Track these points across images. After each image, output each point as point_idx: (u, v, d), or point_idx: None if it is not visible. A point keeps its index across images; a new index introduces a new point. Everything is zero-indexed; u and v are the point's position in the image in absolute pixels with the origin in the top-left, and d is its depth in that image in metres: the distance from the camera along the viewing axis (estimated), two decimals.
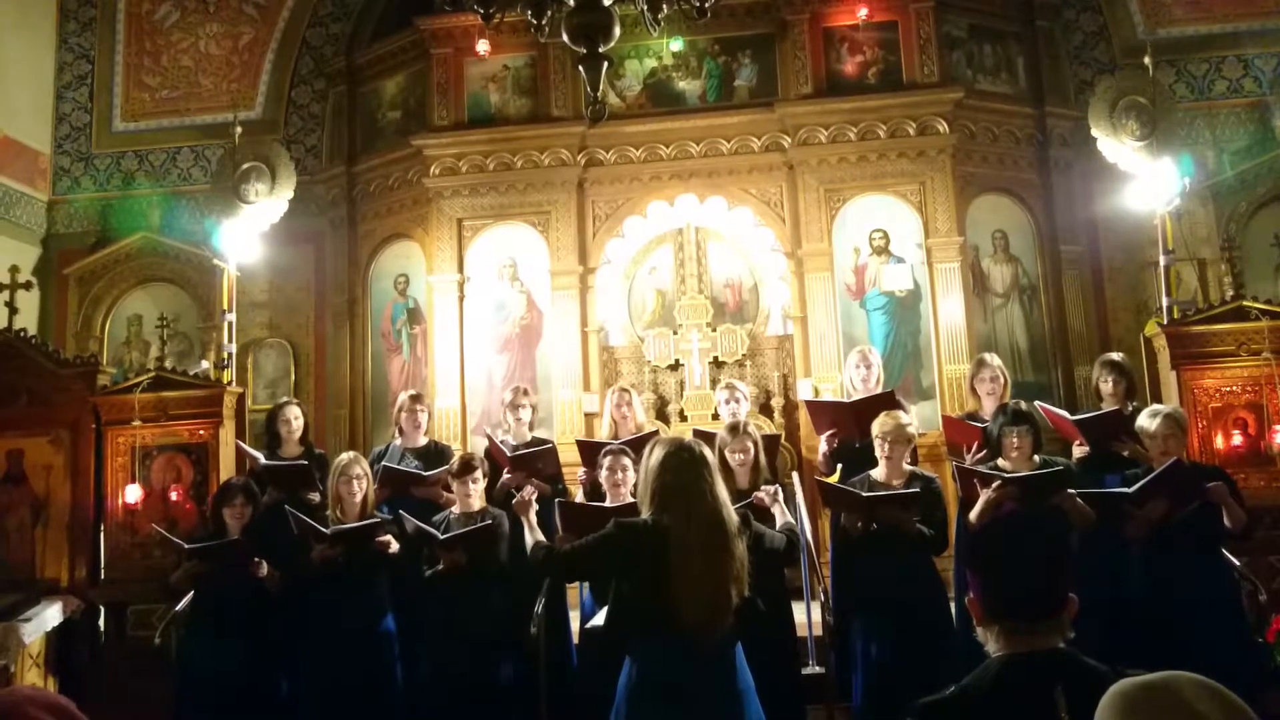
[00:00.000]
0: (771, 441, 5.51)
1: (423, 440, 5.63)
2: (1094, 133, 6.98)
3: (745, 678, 3.07)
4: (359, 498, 4.72)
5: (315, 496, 5.21)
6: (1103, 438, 4.86)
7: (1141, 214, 6.60)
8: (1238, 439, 5.68)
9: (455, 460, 4.93)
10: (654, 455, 3.11)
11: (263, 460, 5.44)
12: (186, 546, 4.84)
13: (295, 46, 8.73)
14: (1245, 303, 5.81)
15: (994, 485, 4.28)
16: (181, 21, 8.83)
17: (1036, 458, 4.49)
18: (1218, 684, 1.40)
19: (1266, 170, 7.55)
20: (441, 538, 4.53)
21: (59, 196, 8.73)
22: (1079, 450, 4.94)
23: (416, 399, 5.69)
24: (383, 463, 5.39)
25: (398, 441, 5.64)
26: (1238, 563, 4.63)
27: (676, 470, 3.03)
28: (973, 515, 4.36)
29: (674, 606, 2.89)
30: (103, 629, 6.08)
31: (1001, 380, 5.26)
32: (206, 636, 4.81)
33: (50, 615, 5.74)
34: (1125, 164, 6.83)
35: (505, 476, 5.20)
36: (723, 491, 3.06)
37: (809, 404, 5.77)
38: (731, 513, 3.06)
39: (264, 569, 4.73)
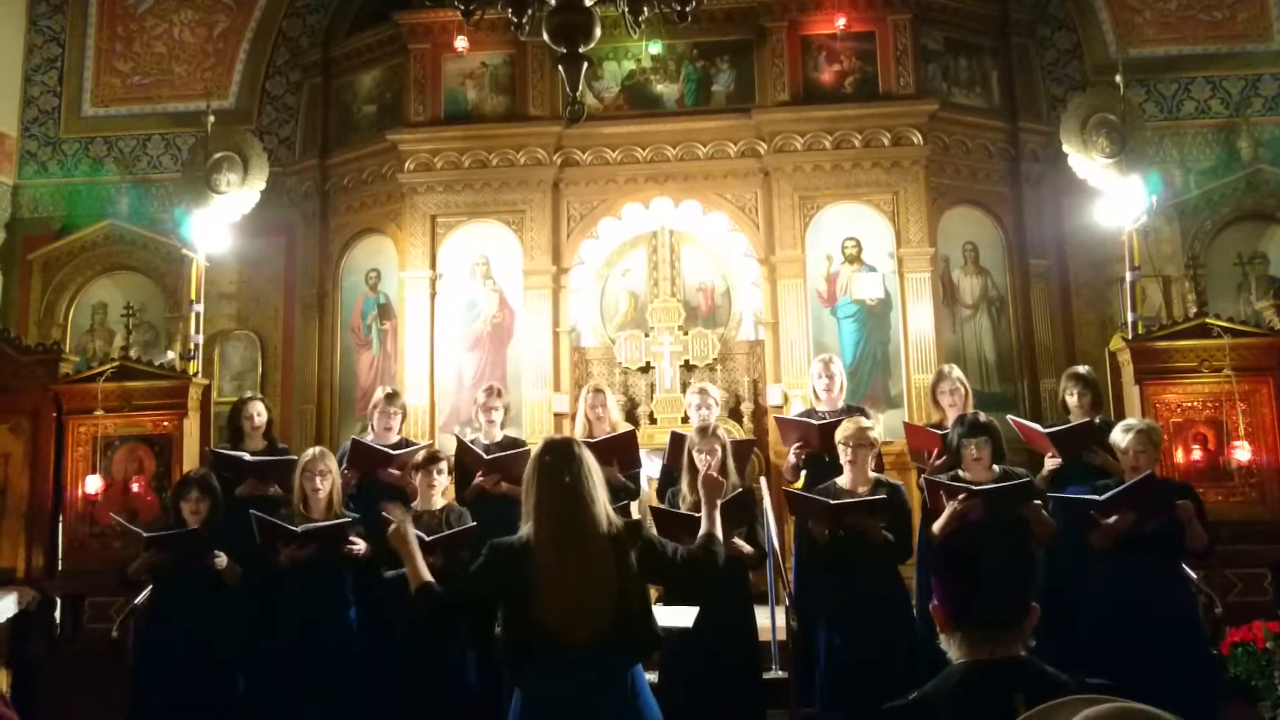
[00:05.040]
0: (744, 447, 5.52)
1: (394, 439, 5.58)
2: (1065, 148, 7.08)
3: (648, 707, 2.76)
4: (323, 494, 4.66)
5: (278, 490, 5.18)
6: (1074, 449, 4.92)
7: (1109, 230, 6.71)
8: (1198, 454, 5.77)
9: (421, 451, 4.91)
10: (530, 460, 2.87)
11: (247, 457, 5.32)
12: (145, 535, 4.78)
13: (271, 36, 8.63)
14: (1208, 320, 5.90)
15: (960, 497, 4.32)
16: (156, 7, 8.70)
17: (996, 468, 4.53)
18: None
19: (1231, 191, 7.68)
20: (428, 539, 4.44)
21: (25, 181, 8.57)
22: (1051, 462, 4.99)
23: (392, 398, 5.61)
24: (351, 438, 5.39)
25: (369, 438, 5.60)
26: (1195, 576, 4.71)
27: (546, 475, 2.77)
28: (936, 526, 4.40)
29: (545, 623, 2.62)
30: (59, 621, 5.98)
31: (962, 391, 5.31)
32: (164, 630, 4.74)
33: (4, 607, 5.64)
34: (1094, 180, 6.94)
35: (479, 478, 5.16)
36: (600, 494, 2.76)
37: (779, 420, 5.74)
38: (610, 518, 2.77)
39: (223, 560, 4.67)
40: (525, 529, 2.77)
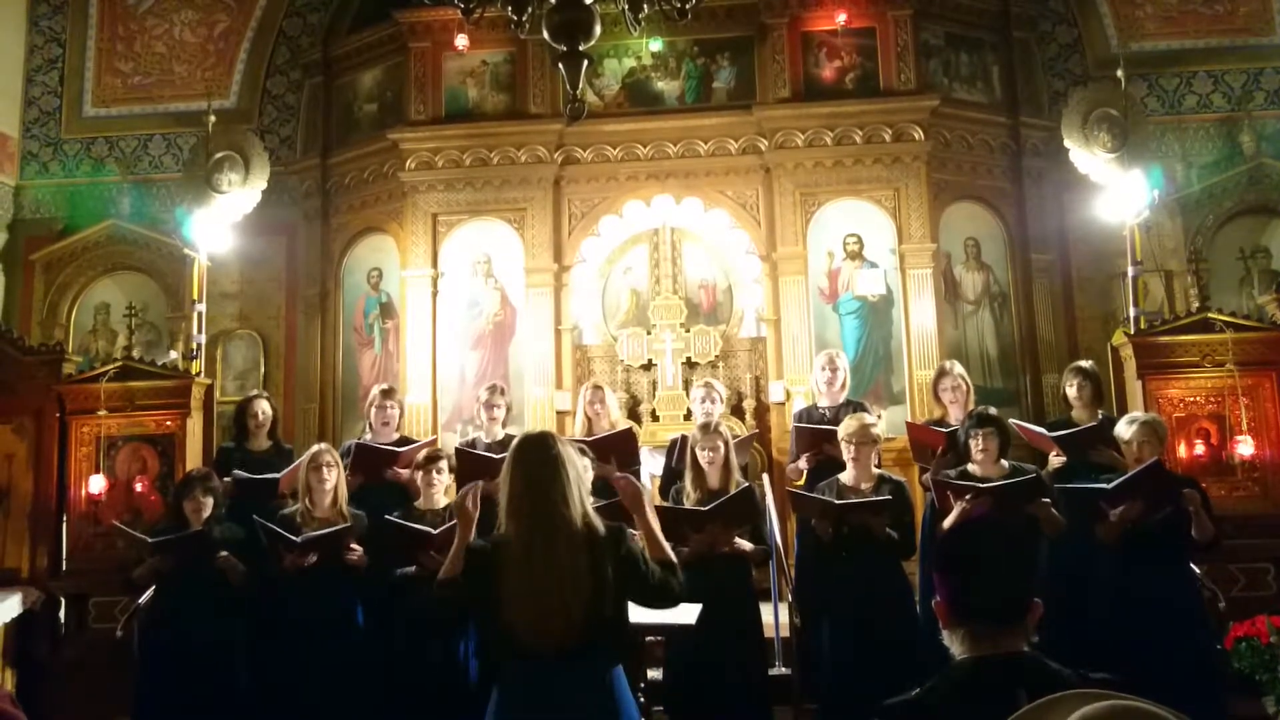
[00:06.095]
0: (744, 441, 5.51)
1: (394, 436, 5.58)
2: (1066, 143, 7.08)
3: (625, 709, 2.67)
4: (329, 486, 4.65)
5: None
6: (1080, 450, 4.90)
7: (1111, 225, 6.69)
8: (1200, 449, 5.77)
9: (424, 450, 4.91)
10: (507, 458, 2.77)
11: (271, 475, 5.27)
12: (150, 541, 4.78)
13: (271, 36, 8.64)
14: (1210, 315, 5.89)
15: (968, 496, 4.31)
16: (156, 7, 8.70)
17: (1005, 463, 4.53)
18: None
19: (1233, 185, 7.67)
20: (434, 533, 4.44)
21: (26, 181, 8.58)
22: (1056, 460, 4.97)
23: (388, 394, 5.63)
24: (355, 440, 5.36)
25: (368, 437, 5.60)
26: (1199, 570, 4.71)
27: (518, 472, 2.70)
28: (946, 524, 4.38)
29: (513, 625, 2.58)
30: (63, 621, 5.99)
31: (963, 387, 5.30)
32: (169, 629, 4.74)
33: (9, 606, 5.65)
34: (1096, 175, 6.93)
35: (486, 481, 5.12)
36: (576, 493, 2.68)
37: (798, 428, 5.46)
38: (588, 518, 2.68)
39: (227, 559, 4.66)
40: (499, 529, 2.72)
